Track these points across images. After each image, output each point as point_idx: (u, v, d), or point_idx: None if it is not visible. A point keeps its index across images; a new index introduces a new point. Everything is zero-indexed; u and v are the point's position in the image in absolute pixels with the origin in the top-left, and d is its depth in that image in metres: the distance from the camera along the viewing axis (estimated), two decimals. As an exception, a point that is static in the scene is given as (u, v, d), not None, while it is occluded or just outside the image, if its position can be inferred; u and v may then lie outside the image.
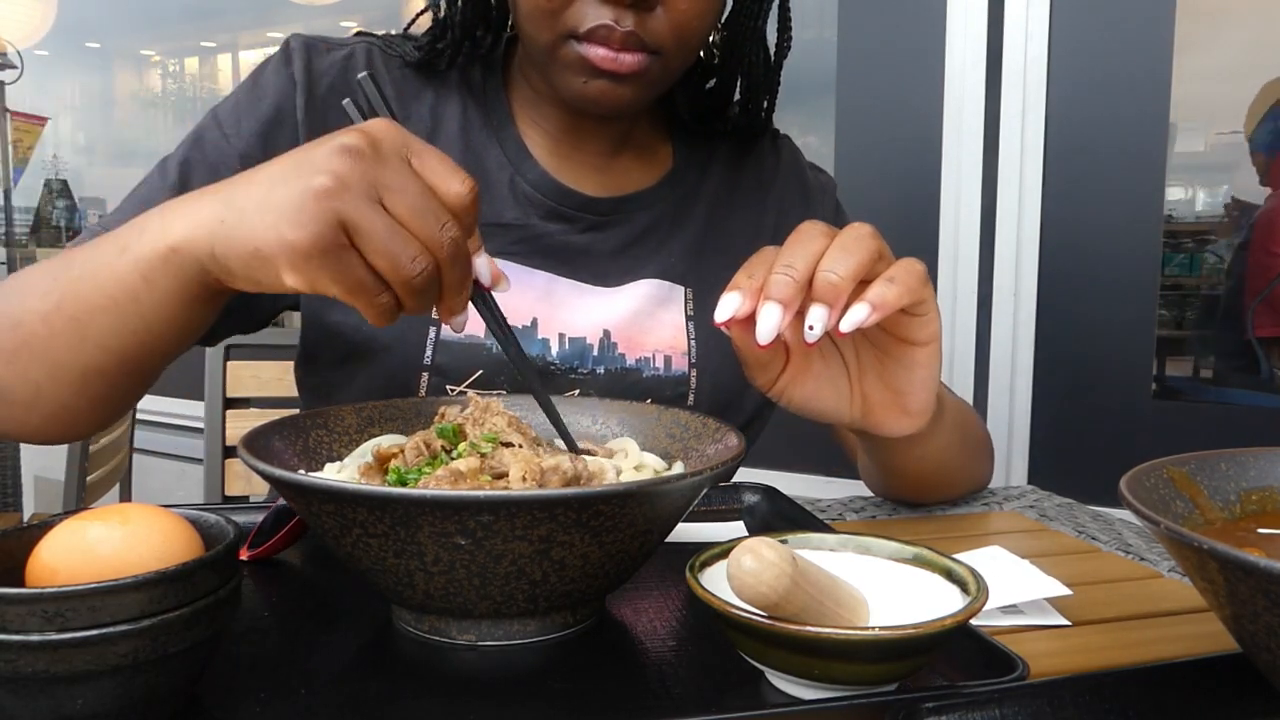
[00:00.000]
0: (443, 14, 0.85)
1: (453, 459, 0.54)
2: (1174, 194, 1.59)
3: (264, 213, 0.49)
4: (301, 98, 0.81)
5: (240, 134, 0.80)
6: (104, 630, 0.38)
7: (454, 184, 0.51)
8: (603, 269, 0.86)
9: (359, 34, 0.90)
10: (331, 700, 0.46)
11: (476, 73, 0.89)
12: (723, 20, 0.86)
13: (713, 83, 0.92)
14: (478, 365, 0.80)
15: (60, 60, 3.60)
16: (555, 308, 0.84)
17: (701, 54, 0.90)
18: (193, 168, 0.80)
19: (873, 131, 1.62)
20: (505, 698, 0.46)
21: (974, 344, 1.54)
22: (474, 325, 0.82)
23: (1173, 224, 1.66)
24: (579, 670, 0.49)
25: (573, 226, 0.86)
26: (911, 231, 1.56)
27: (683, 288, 0.88)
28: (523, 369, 0.60)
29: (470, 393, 0.63)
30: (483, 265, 0.55)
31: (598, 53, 0.74)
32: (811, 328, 0.57)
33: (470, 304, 0.55)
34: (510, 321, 0.80)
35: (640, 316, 0.86)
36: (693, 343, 0.86)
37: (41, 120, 3.57)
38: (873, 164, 1.61)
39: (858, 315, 0.57)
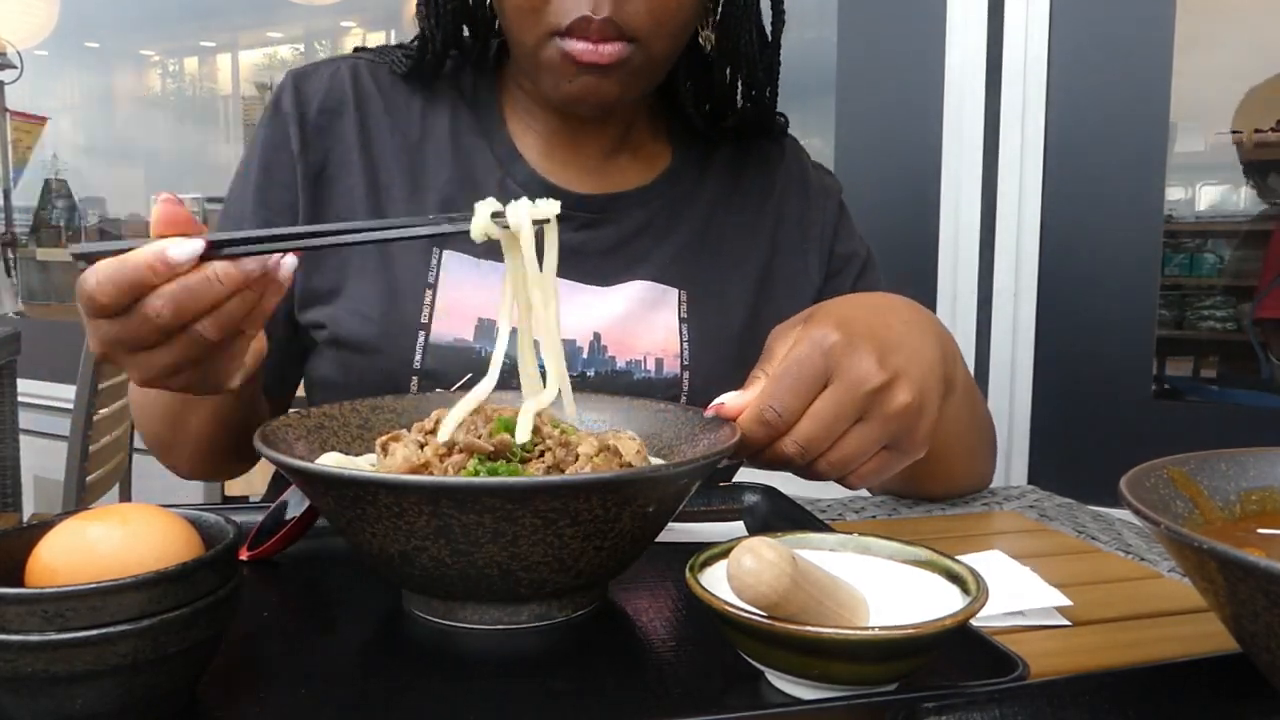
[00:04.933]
0: (425, 27, 0.86)
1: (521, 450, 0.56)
2: (1174, 194, 1.59)
3: None
4: (294, 127, 0.84)
5: (245, 197, 0.85)
6: (104, 630, 0.38)
7: (88, 293, 0.52)
8: (595, 267, 0.86)
9: (356, 50, 0.92)
10: (332, 700, 0.46)
11: (468, 77, 0.90)
12: (718, 11, 0.86)
13: (716, 75, 0.91)
14: (467, 367, 0.80)
15: (60, 60, 3.60)
16: None
17: (702, 44, 0.89)
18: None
19: (873, 132, 1.62)
20: (504, 696, 0.46)
21: (974, 344, 1.54)
22: (461, 329, 0.82)
23: (1173, 224, 1.66)
24: (580, 670, 0.49)
25: (564, 225, 0.85)
26: (911, 231, 1.56)
27: (676, 290, 0.88)
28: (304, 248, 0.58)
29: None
30: (178, 250, 0.53)
31: (578, 46, 0.74)
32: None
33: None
34: (499, 323, 0.80)
35: (631, 319, 0.85)
36: (685, 345, 0.86)
37: (41, 120, 3.57)
38: (873, 164, 1.61)
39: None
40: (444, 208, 0.85)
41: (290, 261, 0.57)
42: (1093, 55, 1.46)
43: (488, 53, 0.90)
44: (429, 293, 0.83)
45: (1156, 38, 1.42)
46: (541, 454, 0.56)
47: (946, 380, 0.67)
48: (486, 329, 0.83)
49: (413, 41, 0.88)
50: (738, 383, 0.65)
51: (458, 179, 0.86)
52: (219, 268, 0.54)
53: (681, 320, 0.87)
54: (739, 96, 0.92)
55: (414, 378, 0.81)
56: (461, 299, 0.83)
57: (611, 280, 0.87)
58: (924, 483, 0.86)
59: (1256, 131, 1.72)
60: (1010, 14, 1.48)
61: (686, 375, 0.85)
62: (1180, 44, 1.41)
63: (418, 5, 0.86)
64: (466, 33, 0.88)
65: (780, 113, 0.98)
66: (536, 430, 0.57)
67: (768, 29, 0.89)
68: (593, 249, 0.87)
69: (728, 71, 0.90)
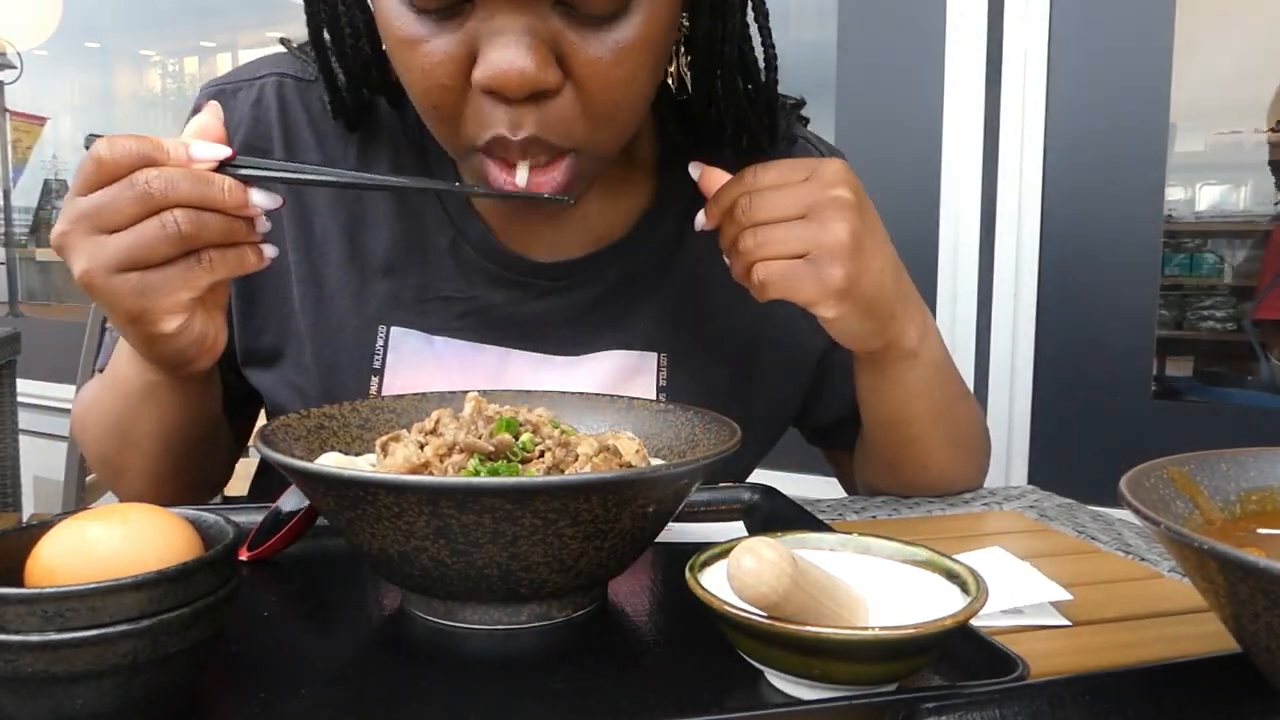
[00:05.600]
0: (325, 69, 0.72)
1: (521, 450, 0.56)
2: (1174, 194, 1.59)
3: None
4: None
5: None
6: (104, 630, 0.38)
7: (100, 161, 0.53)
8: (561, 338, 0.77)
9: (281, 53, 0.80)
10: (332, 700, 0.46)
11: (412, 114, 0.73)
12: (684, 51, 0.74)
13: (695, 111, 0.79)
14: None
15: (60, 60, 3.60)
16: (507, 386, 0.74)
17: (671, 84, 0.78)
18: None
19: (873, 132, 1.62)
20: (504, 696, 0.46)
21: (974, 344, 1.54)
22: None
23: (1173, 224, 1.66)
24: (579, 670, 0.49)
25: (525, 293, 0.76)
26: (911, 231, 1.56)
27: (655, 354, 0.78)
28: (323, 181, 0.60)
29: (471, 393, 0.63)
30: (202, 148, 0.55)
31: (499, 177, 0.62)
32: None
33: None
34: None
35: (604, 391, 0.74)
36: None
37: (41, 120, 3.57)
38: (873, 164, 1.61)
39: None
40: (388, 273, 0.75)
41: (271, 251, 0.58)
42: (1093, 55, 1.46)
43: None
44: (374, 379, 0.74)
45: (1156, 38, 1.42)
46: (541, 454, 0.56)
47: (900, 294, 0.71)
48: None
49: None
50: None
51: (403, 239, 0.76)
52: (228, 180, 0.54)
53: (660, 389, 0.78)
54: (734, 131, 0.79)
55: (372, 377, 0.75)
56: (413, 384, 0.74)
57: (580, 349, 0.77)
58: (902, 468, 0.84)
59: (1257, 131, 1.72)
60: (1010, 14, 1.48)
61: None
62: (1180, 44, 1.41)
63: (309, 44, 0.71)
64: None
65: (799, 101, 0.86)
66: (536, 430, 0.57)
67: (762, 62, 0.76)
68: (558, 317, 0.77)
69: (705, 110, 0.78)
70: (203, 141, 0.55)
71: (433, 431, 0.57)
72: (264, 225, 0.58)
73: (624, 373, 0.78)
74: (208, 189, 0.54)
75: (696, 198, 0.72)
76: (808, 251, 0.65)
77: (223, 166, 0.56)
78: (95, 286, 0.55)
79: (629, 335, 0.78)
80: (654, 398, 0.78)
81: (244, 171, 0.57)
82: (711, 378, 0.81)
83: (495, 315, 0.76)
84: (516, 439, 0.56)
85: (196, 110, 0.75)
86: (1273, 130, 1.67)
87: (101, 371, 0.79)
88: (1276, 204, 1.83)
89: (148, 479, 0.75)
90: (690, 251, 0.80)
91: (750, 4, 0.72)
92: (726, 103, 0.75)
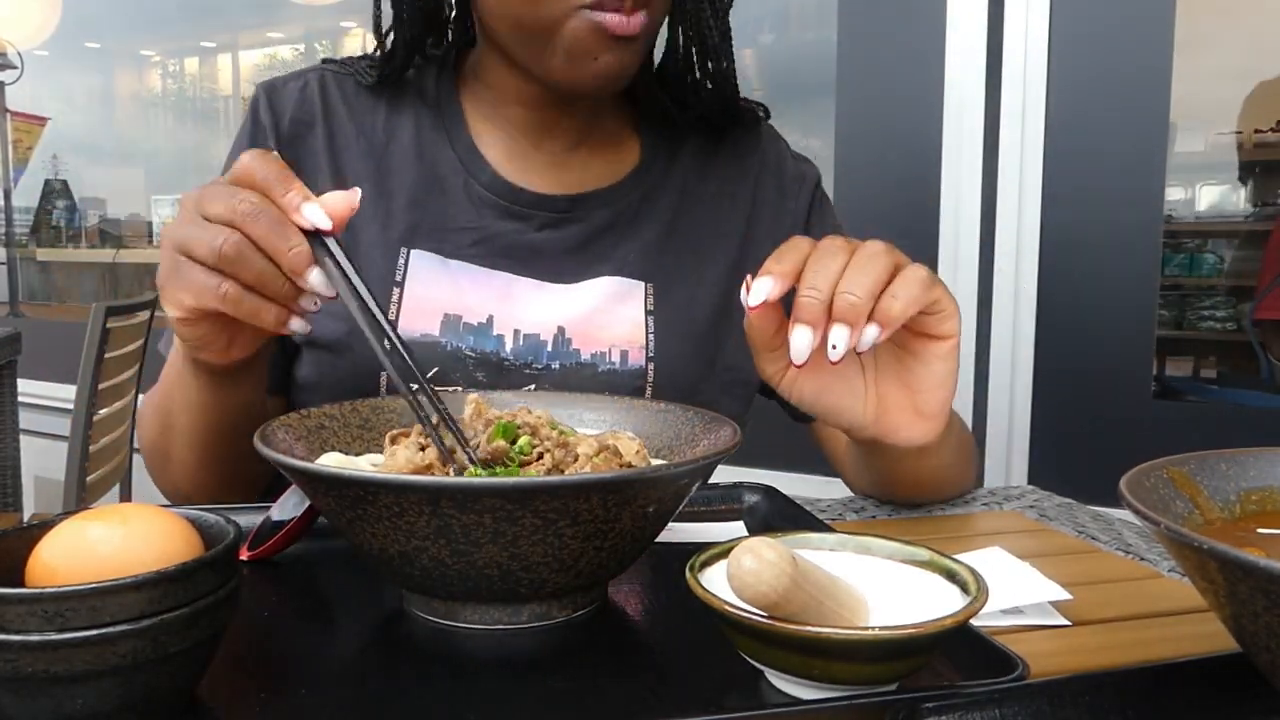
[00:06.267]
0: (388, 39, 0.86)
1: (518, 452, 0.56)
2: (1174, 194, 1.59)
3: None
4: (271, 139, 0.86)
5: None
6: (104, 630, 0.38)
7: (242, 165, 0.58)
8: (560, 266, 0.87)
9: (324, 61, 0.93)
10: (332, 700, 0.46)
11: (430, 81, 0.90)
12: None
13: (670, 40, 0.90)
14: (434, 362, 0.82)
15: (60, 60, 3.60)
16: (512, 305, 0.85)
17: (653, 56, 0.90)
18: None
19: (873, 132, 1.62)
20: (504, 696, 0.46)
21: (974, 344, 1.54)
22: (427, 324, 0.83)
23: (1173, 224, 1.66)
24: (579, 670, 0.49)
25: (527, 225, 0.87)
26: (911, 231, 1.56)
27: (643, 283, 0.88)
28: (367, 325, 0.59)
29: (469, 393, 0.63)
30: (312, 211, 0.58)
31: (612, 19, 0.74)
32: (834, 347, 0.59)
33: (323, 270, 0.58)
34: (467, 319, 0.84)
35: (597, 313, 0.86)
36: (651, 337, 0.86)
37: (41, 120, 3.57)
38: (873, 164, 1.61)
39: (869, 336, 0.60)
40: (410, 211, 0.86)
41: (299, 325, 0.61)
42: (1093, 55, 1.46)
43: (449, 55, 0.91)
44: (395, 290, 0.84)
45: (1156, 38, 1.42)
46: (540, 456, 0.56)
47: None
48: (452, 324, 0.83)
49: (375, 51, 0.89)
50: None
51: (423, 182, 0.87)
52: (303, 245, 0.57)
53: (648, 313, 0.87)
54: (698, 74, 0.90)
55: (382, 374, 0.80)
56: (429, 296, 0.84)
57: (576, 278, 0.87)
58: (901, 495, 0.85)
59: (1257, 131, 1.72)
60: (1010, 14, 1.48)
61: (651, 367, 0.86)
62: (1180, 44, 1.41)
63: (375, 16, 0.86)
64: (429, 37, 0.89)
65: (759, 103, 0.97)
66: (535, 432, 0.57)
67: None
68: (556, 248, 0.87)
69: (681, 42, 0.88)
70: (315, 206, 0.58)
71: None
72: (310, 305, 0.60)
73: (615, 298, 0.87)
74: (276, 239, 0.57)
75: (676, 154, 0.92)
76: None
77: (316, 236, 0.58)
78: (162, 249, 0.61)
79: (618, 264, 0.88)
80: (642, 322, 0.87)
81: (333, 251, 0.59)
82: (693, 309, 0.89)
83: (502, 243, 0.86)
84: (515, 442, 0.56)
85: (254, 103, 0.88)
86: (1258, 131, 1.67)
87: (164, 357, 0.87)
88: (1272, 203, 1.83)
89: (187, 468, 0.80)
90: (671, 199, 0.92)
91: None
92: (702, 29, 0.86)
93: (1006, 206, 1.50)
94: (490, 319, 0.84)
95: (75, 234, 3.69)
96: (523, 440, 0.56)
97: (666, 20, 0.86)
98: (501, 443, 0.55)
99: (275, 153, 0.60)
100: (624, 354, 0.86)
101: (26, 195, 3.64)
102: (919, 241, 1.55)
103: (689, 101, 0.91)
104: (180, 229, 0.59)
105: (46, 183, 3.62)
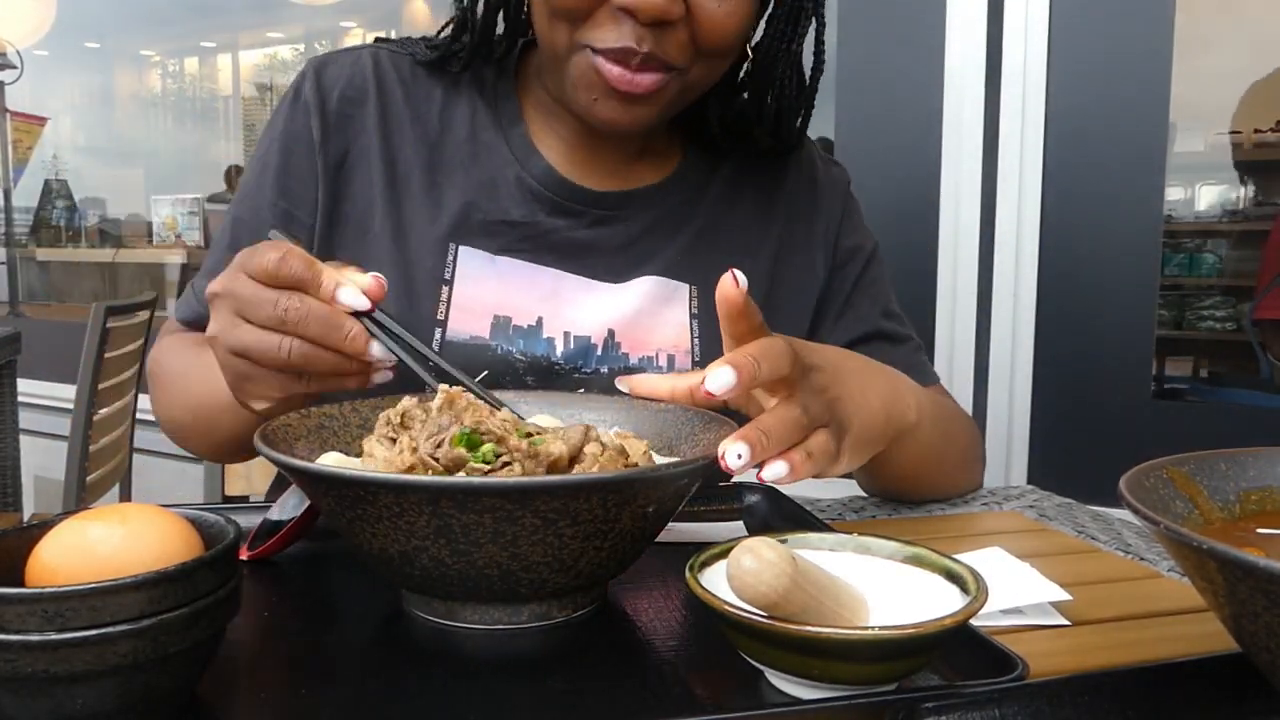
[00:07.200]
0: (467, 13, 0.85)
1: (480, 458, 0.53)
2: (1174, 194, 1.59)
3: None
4: (316, 118, 0.84)
5: (263, 186, 0.85)
6: (104, 630, 0.38)
7: (263, 263, 0.58)
8: (608, 264, 0.87)
9: (378, 40, 0.91)
10: (332, 700, 0.46)
11: (489, 74, 0.89)
12: (752, 44, 0.84)
13: (742, 99, 0.90)
14: (483, 365, 0.80)
15: (60, 60, 3.61)
16: (561, 305, 0.85)
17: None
18: (241, 224, 0.86)
19: (873, 132, 1.62)
20: (504, 696, 0.46)
21: (974, 344, 1.54)
22: (477, 326, 0.82)
23: (1172, 224, 1.66)
24: (580, 670, 0.49)
25: (578, 221, 0.87)
26: (911, 231, 1.56)
27: (687, 285, 0.88)
28: (425, 377, 0.62)
29: (451, 389, 0.62)
30: (348, 295, 0.60)
31: (613, 71, 0.73)
32: (740, 456, 0.54)
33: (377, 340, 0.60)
34: (517, 321, 0.84)
35: (644, 314, 0.86)
36: (696, 341, 0.86)
37: (41, 120, 3.57)
38: (873, 164, 1.61)
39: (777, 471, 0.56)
40: (460, 204, 0.85)
41: (380, 378, 0.62)
42: (1093, 55, 1.46)
43: (511, 50, 0.90)
44: (444, 289, 0.83)
45: (1156, 38, 1.42)
46: (507, 464, 0.52)
47: (892, 423, 0.68)
48: (502, 326, 0.83)
49: (439, 33, 0.88)
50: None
51: (475, 175, 0.86)
52: (356, 327, 0.59)
53: (692, 316, 0.87)
54: (763, 125, 0.90)
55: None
56: (478, 295, 0.83)
57: (624, 276, 0.87)
58: (906, 494, 0.87)
59: (1256, 131, 1.72)
60: (1010, 14, 1.48)
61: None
62: (1180, 44, 1.41)
63: None
64: (499, 29, 0.87)
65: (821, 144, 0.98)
66: (501, 440, 0.54)
67: (807, 73, 0.88)
68: (605, 246, 0.87)
69: (754, 102, 0.88)
70: (351, 289, 0.60)
71: (402, 425, 0.57)
72: (381, 379, 0.62)
73: (661, 299, 0.87)
74: (332, 332, 0.59)
75: (716, 163, 0.92)
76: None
77: (361, 315, 0.60)
78: (215, 350, 0.63)
79: (663, 264, 0.88)
80: (687, 325, 0.87)
81: (377, 318, 0.61)
82: None
83: (552, 239, 0.86)
84: (477, 449, 0.53)
85: (299, 79, 0.87)
86: (1258, 131, 1.67)
87: (181, 321, 0.88)
88: (1271, 203, 1.83)
89: (219, 450, 0.84)
90: (711, 201, 0.91)
91: (815, 18, 0.84)
92: (783, 92, 0.86)
93: (1006, 206, 1.50)
94: (540, 321, 0.84)
95: (75, 234, 3.69)
96: (487, 448, 0.53)
97: (751, 74, 0.86)
98: (461, 451, 0.52)
99: (283, 237, 0.62)
100: (671, 358, 0.86)
101: (26, 195, 3.64)
102: (919, 241, 1.55)
103: (744, 135, 0.91)
104: (231, 334, 0.60)
105: (46, 183, 3.62)
